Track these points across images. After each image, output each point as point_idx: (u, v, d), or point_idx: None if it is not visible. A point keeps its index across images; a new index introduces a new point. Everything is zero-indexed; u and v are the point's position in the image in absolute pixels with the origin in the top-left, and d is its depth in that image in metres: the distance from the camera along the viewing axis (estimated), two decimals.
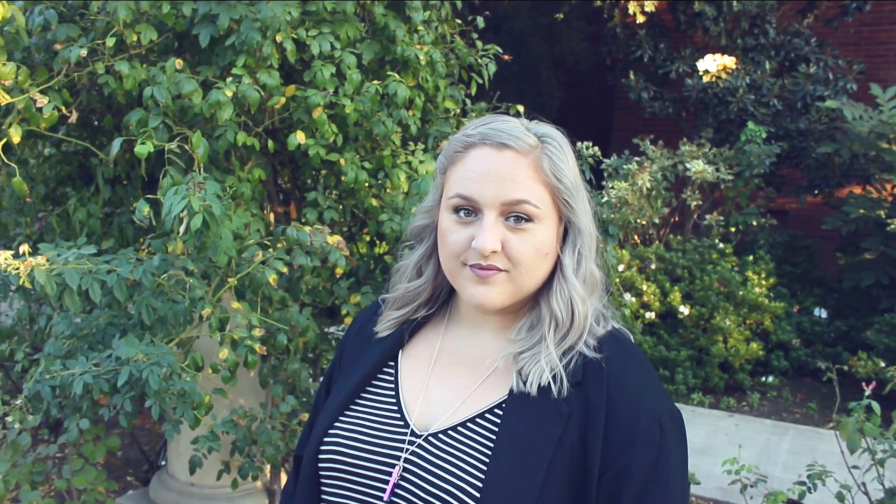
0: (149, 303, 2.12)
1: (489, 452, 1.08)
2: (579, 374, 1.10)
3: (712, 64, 6.57)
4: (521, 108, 3.29)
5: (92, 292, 1.96)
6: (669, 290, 5.79)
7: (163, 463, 3.95)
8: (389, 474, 1.12)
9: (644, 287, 5.73)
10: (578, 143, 3.18)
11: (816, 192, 6.74)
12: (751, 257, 6.18)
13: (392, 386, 1.21)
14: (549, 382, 1.09)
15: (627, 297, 5.61)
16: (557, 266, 1.14)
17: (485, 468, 1.07)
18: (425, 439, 1.13)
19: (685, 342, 5.82)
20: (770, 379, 5.95)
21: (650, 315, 5.72)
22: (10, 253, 1.89)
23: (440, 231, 1.15)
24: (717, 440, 4.87)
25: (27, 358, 3.25)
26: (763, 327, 5.94)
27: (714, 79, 6.61)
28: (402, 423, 1.16)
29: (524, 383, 1.10)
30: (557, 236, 1.14)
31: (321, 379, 1.55)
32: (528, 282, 1.12)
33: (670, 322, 5.87)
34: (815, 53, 6.82)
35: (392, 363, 1.24)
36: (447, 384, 1.19)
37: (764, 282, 5.98)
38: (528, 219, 1.09)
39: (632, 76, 7.16)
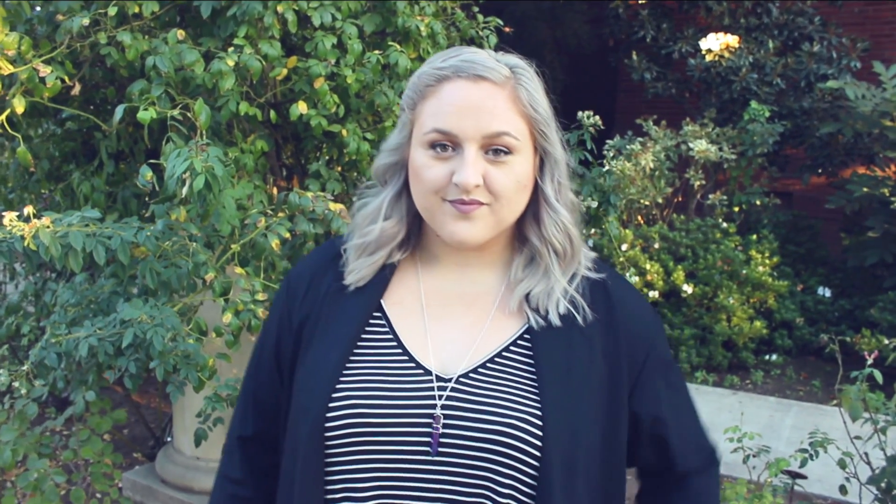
0: (152, 266, 2.14)
1: (535, 379, 1.09)
2: (589, 295, 1.14)
3: (715, 43, 6.56)
4: None
5: (96, 254, 1.98)
6: (673, 269, 5.79)
7: (168, 439, 3.98)
8: (426, 426, 1.06)
9: (647, 266, 5.73)
10: (579, 113, 3.18)
11: (820, 171, 6.74)
12: (754, 236, 6.18)
13: (390, 336, 1.13)
14: (567, 310, 1.12)
15: (629, 276, 5.62)
16: (539, 197, 1.14)
17: (537, 394, 1.08)
18: (457, 381, 1.09)
19: (689, 321, 5.83)
20: (774, 357, 5.96)
21: (654, 294, 5.73)
22: (14, 214, 1.91)
23: (414, 168, 1.11)
24: (720, 417, 4.88)
25: (33, 332, 3.27)
26: (767, 306, 5.95)
27: (717, 58, 6.60)
28: (420, 370, 1.10)
29: (544, 319, 1.12)
30: (535, 167, 1.13)
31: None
32: (508, 215, 1.11)
33: (674, 301, 5.88)
34: (818, 32, 6.80)
35: (378, 313, 1.15)
36: (450, 325, 1.14)
37: (767, 261, 5.98)
38: (508, 151, 1.08)
39: (634, 57, 7.15)
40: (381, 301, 1.16)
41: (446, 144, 1.07)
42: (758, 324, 5.73)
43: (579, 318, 1.12)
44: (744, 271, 5.78)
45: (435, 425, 1.06)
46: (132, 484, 3.76)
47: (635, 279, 5.70)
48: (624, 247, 5.79)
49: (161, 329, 2.00)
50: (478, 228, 1.08)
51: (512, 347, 1.12)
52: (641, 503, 1.30)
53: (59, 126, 3.59)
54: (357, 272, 1.16)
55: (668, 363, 1.22)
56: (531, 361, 1.11)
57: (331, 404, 1.07)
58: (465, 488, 1.07)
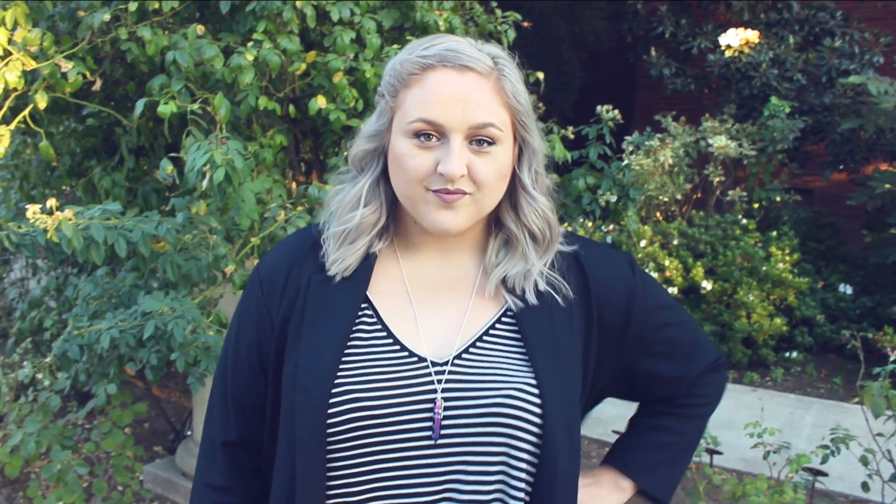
0: (173, 259, 2.15)
1: (524, 352, 1.13)
2: (564, 267, 1.18)
3: (735, 39, 6.51)
4: (540, 76, 3.28)
5: (117, 247, 2.00)
6: (692, 266, 5.76)
7: (189, 433, 4.01)
8: (428, 412, 1.08)
9: (666, 262, 5.70)
10: (598, 107, 3.17)
11: (841, 167, 6.67)
12: (774, 233, 6.13)
13: (380, 326, 1.14)
14: (546, 290, 1.15)
15: (648, 272, 5.59)
16: (517, 185, 1.16)
17: (529, 365, 1.12)
18: (452, 364, 1.11)
19: (708, 317, 5.79)
20: (794, 355, 5.91)
21: (672, 290, 5.69)
22: (38, 207, 1.93)
23: (395, 156, 1.10)
24: (739, 414, 4.84)
25: (55, 326, 3.30)
26: (787, 303, 5.90)
27: (737, 54, 6.55)
28: (414, 359, 1.11)
29: (521, 300, 1.15)
30: (514, 157, 1.15)
31: None
32: (489, 203, 1.12)
33: (693, 297, 5.84)
34: (840, 27, 6.73)
35: (365, 304, 1.15)
36: (437, 311, 1.16)
37: (788, 258, 5.94)
38: (492, 142, 1.09)
39: (653, 53, 7.11)
40: (367, 292, 1.16)
41: (431, 134, 1.07)
42: (778, 321, 5.69)
43: (559, 299, 1.16)
44: (764, 268, 5.74)
45: (436, 411, 1.08)
46: (153, 476, 3.79)
47: (654, 275, 5.67)
48: (643, 243, 5.76)
49: (182, 321, 2.01)
50: (460, 217, 1.10)
51: (497, 325, 1.15)
52: (644, 402, 1.36)
53: (80, 122, 3.63)
54: (341, 262, 1.14)
55: (656, 307, 1.26)
56: (518, 337, 1.14)
57: (332, 400, 1.07)
58: (472, 467, 1.09)
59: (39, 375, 2.51)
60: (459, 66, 1.07)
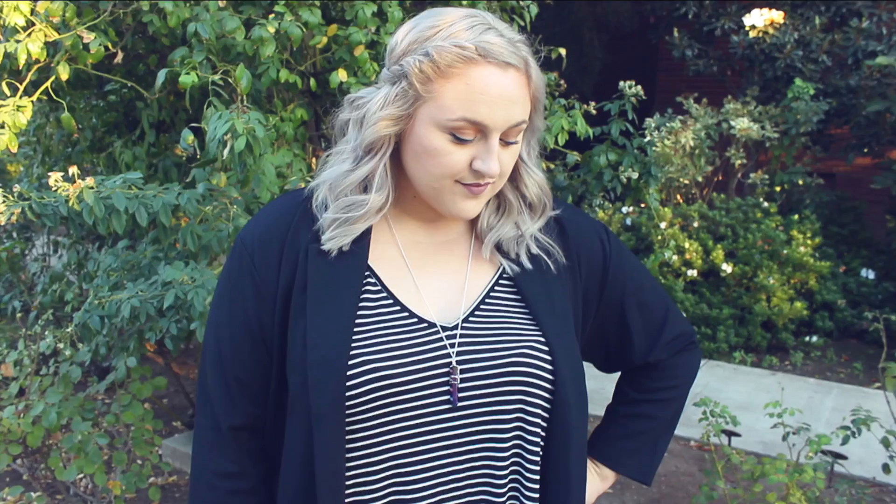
0: (193, 230, 2.16)
1: (528, 311, 1.15)
2: (553, 231, 1.22)
3: (759, 19, 6.42)
4: (562, 51, 3.25)
5: (138, 216, 2.00)
6: (712, 248, 5.72)
7: None
8: (442, 377, 1.08)
9: (686, 244, 5.66)
10: (621, 83, 3.14)
11: (866, 150, 6.58)
12: (796, 217, 6.06)
13: (385, 294, 1.12)
14: (538, 253, 1.18)
15: (667, 255, 5.56)
16: (517, 158, 1.17)
17: (535, 324, 1.14)
18: (461, 328, 1.12)
19: (727, 300, 5.75)
20: (814, 339, 5.86)
21: (692, 273, 5.66)
22: (60, 175, 1.93)
23: (426, 150, 1.06)
24: (758, 397, 4.82)
25: (76, 299, 3.32)
26: (808, 287, 5.85)
27: (761, 34, 6.46)
28: (424, 324, 1.11)
29: (515, 263, 1.17)
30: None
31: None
32: (500, 186, 1.14)
33: (712, 280, 5.80)
34: (868, 7, 6.62)
35: (367, 272, 1.13)
36: (436, 275, 1.16)
37: (809, 241, 5.88)
38: (518, 135, 1.10)
39: (676, 34, 7.03)
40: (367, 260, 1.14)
41: (469, 132, 1.05)
42: (798, 305, 5.64)
43: (551, 263, 1.18)
44: (785, 251, 5.68)
45: (454, 376, 1.08)
46: (171, 451, 3.82)
47: (674, 258, 5.64)
48: (663, 225, 5.72)
49: (202, 290, 2.01)
50: (481, 203, 1.12)
51: (496, 288, 1.17)
52: (619, 388, 1.39)
53: (101, 98, 3.64)
54: (339, 239, 1.11)
55: (627, 270, 1.30)
56: (518, 298, 1.17)
57: (350, 373, 1.05)
58: (490, 426, 1.10)
59: (61, 345, 2.53)
60: (503, 63, 1.03)
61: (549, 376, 1.11)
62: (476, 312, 1.14)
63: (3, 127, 2.43)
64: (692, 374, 1.38)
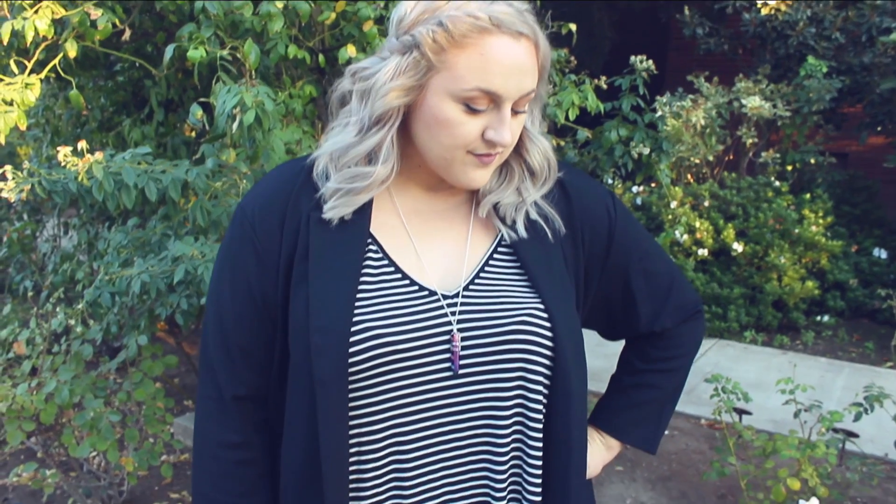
0: (203, 205, 2.15)
1: (527, 279, 1.15)
2: (556, 197, 1.21)
3: None
4: (573, 27, 3.22)
5: (148, 191, 1.99)
6: (723, 228, 5.69)
7: None
8: (444, 344, 1.09)
9: (697, 224, 5.64)
10: (632, 57, 3.11)
11: (879, 128, 6.52)
12: (808, 196, 6.02)
13: (386, 262, 1.12)
14: (537, 221, 1.18)
15: (678, 234, 5.53)
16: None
17: (534, 291, 1.14)
18: (462, 296, 1.12)
19: (738, 280, 5.73)
20: (825, 318, 5.84)
21: (703, 252, 5.63)
22: (69, 149, 1.93)
23: (438, 120, 1.05)
24: (769, 376, 4.81)
25: (87, 278, 3.33)
26: (819, 266, 5.82)
27: (773, 12, 6.39)
28: (425, 292, 1.11)
29: (512, 230, 1.17)
30: None
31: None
32: (507, 155, 1.14)
33: (723, 259, 5.78)
34: None
35: (370, 241, 1.13)
36: (437, 243, 1.16)
37: (821, 220, 5.84)
38: (525, 105, 1.09)
39: (686, 12, 6.96)
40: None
41: (482, 102, 1.05)
42: (810, 284, 5.61)
43: (549, 231, 1.18)
44: (796, 230, 5.65)
45: (454, 343, 1.09)
46: (183, 429, 3.84)
47: (685, 237, 5.61)
48: (673, 204, 5.69)
49: (212, 265, 2.01)
50: (489, 172, 1.12)
51: (495, 255, 1.17)
52: (624, 358, 1.40)
53: (109, 78, 3.64)
54: (341, 209, 1.10)
55: (633, 237, 1.29)
56: (517, 265, 1.17)
57: (352, 339, 1.05)
58: (491, 394, 1.11)
59: (72, 322, 2.54)
60: (515, 32, 1.03)
61: (549, 343, 1.12)
62: (476, 280, 1.15)
63: (11, 104, 2.43)
64: (697, 344, 1.38)
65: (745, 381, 4.66)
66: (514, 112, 1.07)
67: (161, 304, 2.21)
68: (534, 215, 1.18)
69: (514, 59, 1.03)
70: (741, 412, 4.04)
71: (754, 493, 2.79)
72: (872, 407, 2.84)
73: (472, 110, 1.04)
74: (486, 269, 1.16)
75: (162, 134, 3.33)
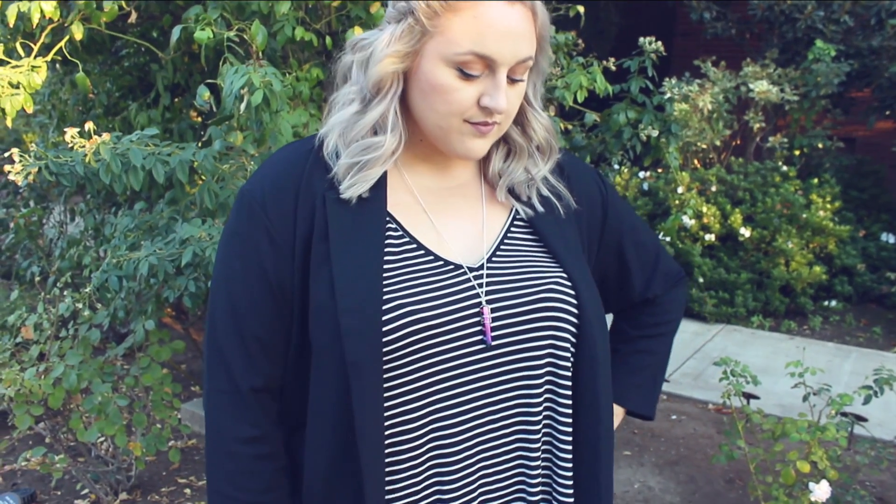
0: (210, 187, 2.14)
1: (548, 251, 1.18)
2: (559, 175, 1.24)
3: None
4: (581, 9, 3.19)
5: (155, 172, 1.98)
6: (730, 213, 5.66)
7: None
8: (474, 317, 1.08)
9: (704, 209, 5.61)
10: (640, 38, 3.09)
11: (888, 112, 6.47)
12: (815, 180, 5.99)
13: (407, 238, 1.11)
14: (549, 196, 1.21)
15: (686, 218, 5.51)
16: (523, 102, 1.16)
17: (557, 262, 1.17)
18: (486, 268, 1.13)
19: (745, 265, 5.71)
20: (833, 303, 5.82)
21: (710, 237, 5.61)
22: (76, 130, 1.92)
23: (433, 86, 1.05)
24: (776, 360, 4.80)
25: (94, 263, 3.33)
26: (827, 251, 5.79)
27: None
28: (451, 266, 1.11)
29: (527, 206, 1.20)
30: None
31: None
32: (506, 127, 1.14)
33: (730, 244, 5.76)
34: None
35: (388, 220, 1.11)
36: (454, 218, 1.16)
37: (829, 205, 5.81)
38: (524, 73, 1.09)
39: None
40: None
41: (477, 66, 1.04)
42: (817, 269, 5.59)
43: (560, 207, 1.20)
44: (804, 215, 5.62)
45: (484, 315, 1.09)
46: (190, 415, 3.85)
47: (691, 222, 5.59)
48: (680, 189, 5.67)
49: None
50: (488, 144, 1.11)
51: (513, 229, 1.19)
52: (616, 328, 1.44)
53: (115, 64, 3.62)
54: (358, 185, 1.08)
55: (622, 212, 1.33)
56: (535, 238, 1.19)
57: (385, 317, 1.03)
58: (523, 363, 1.12)
59: (79, 305, 2.53)
60: None
61: (575, 310, 1.14)
62: (498, 253, 1.15)
63: (18, 87, 2.42)
64: (683, 308, 1.45)
65: (753, 366, 4.62)
66: (512, 81, 1.06)
67: (169, 288, 2.20)
68: (545, 192, 1.20)
69: (509, 22, 1.02)
70: (749, 396, 4.04)
71: (763, 476, 2.78)
72: (882, 390, 2.83)
73: (466, 76, 1.03)
74: (506, 241, 1.17)
75: (168, 119, 3.32)
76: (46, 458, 3.09)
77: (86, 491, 3.38)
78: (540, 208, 1.19)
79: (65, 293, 2.81)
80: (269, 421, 1.14)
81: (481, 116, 1.06)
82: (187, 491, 3.42)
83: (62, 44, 2.57)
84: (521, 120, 1.17)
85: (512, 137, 1.18)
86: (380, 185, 1.11)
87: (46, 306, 3.03)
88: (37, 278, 3.65)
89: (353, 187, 1.08)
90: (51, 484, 3.44)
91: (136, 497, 3.35)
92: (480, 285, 1.10)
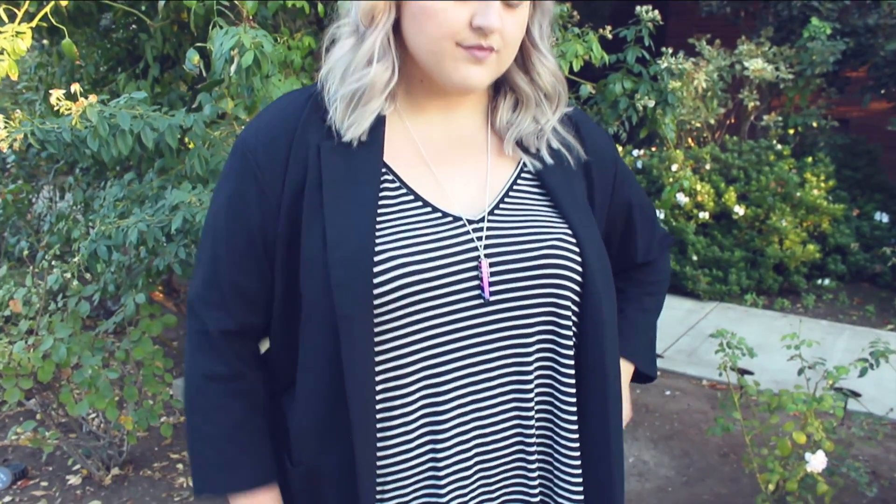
0: (201, 153, 2.10)
1: (553, 205, 1.14)
2: (570, 128, 1.19)
3: None
4: None
5: (144, 136, 1.94)
6: (724, 191, 5.65)
7: None
8: (472, 271, 1.05)
9: (698, 187, 5.59)
10: (637, 7, 3.05)
11: (883, 91, 6.45)
12: (809, 159, 5.98)
13: (404, 189, 1.07)
14: (559, 148, 1.16)
15: (681, 196, 5.49)
16: (527, 44, 1.11)
17: (561, 217, 1.13)
18: (487, 220, 1.08)
19: (739, 243, 5.70)
20: (826, 282, 5.82)
21: (704, 215, 5.60)
22: (62, 92, 1.87)
23: (423, 8, 1.00)
24: (770, 338, 4.79)
25: (83, 238, 3.29)
26: (820, 230, 5.78)
27: None
28: (449, 218, 1.07)
29: (536, 157, 1.15)
30: (529, 14, 1.09)
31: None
32: (507, 62, 1.08)
33: (724, 223, 5.75)
34: None
35: (384, 171, 1.08)
36: (457, 170, 1.12)
37: (822, 184, 5.80)
38: None
39: None
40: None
41: None
42: (811, 247, 5.58)
43: (571, 159, 1.17)
44: (798, 194, 5.61)
45: (482, 269, 1.05)
46: (182, 391, 3.82)
47: (685, 200, 5.57)
48: (674, 167, 5.64)
49: None
50: (487, 73, 1.05)
51: (519, 182, 1.15)
52: (617, 288, 1.41)
53: (104, 36, 3.57)
54: (357, 125, 1.05)
55: (628, 176, 1.31)
56: (542, 192, 1.15)
57: (377, 269, 1.00)
58: (522, 320, 1.09)
59: (68, 275, 2.49)
60: None
61: (579, 268, 1.10)
62: (501, 206, 1.11)
63: (2, 53, 2.36)
64: (669, 269, 1.47)
65: (747, 341, 4.64)
66: (508, 4, 1.02)
67: (158, 256, 2.16)
68: (556, 144, 1.16)
69: None
70: (743, 372, 4.03)
71: (758, 449, 2.77)
72: (878, 362, 2.82)
73: None
74: (511, 194, 1.13)
75: (158, 93, 3.27)
76: (37, 433, 3.06)
77: (77, 466, 3.35)
78: (549, 160, 1.15)
79: (53, 263, 2.77)
80: (240, 361, 1.13)
81: (474, 39, 1.00)
82: (180, 466, 3.40)
83: (48, 8, 2.52)
84: (526, 65, 1.13)
85: (518, 85, 1.14)
86: (376, 133, 1.07)
87: (35, 280, 2.99)
88: (25, 253, 3.61)
89: (353, 127, 1.05)
90: (42, 459, 3.41)
91: (127, 472, 3.32)
92: (480, 238, 1.07)
